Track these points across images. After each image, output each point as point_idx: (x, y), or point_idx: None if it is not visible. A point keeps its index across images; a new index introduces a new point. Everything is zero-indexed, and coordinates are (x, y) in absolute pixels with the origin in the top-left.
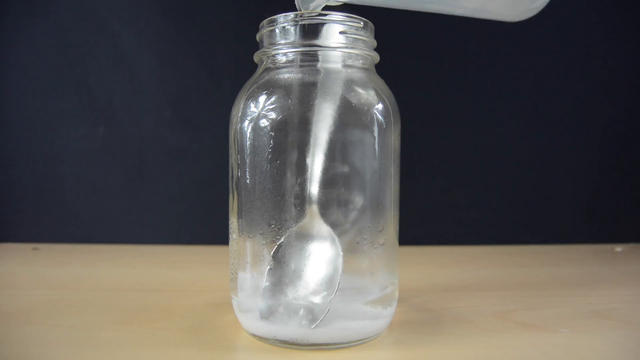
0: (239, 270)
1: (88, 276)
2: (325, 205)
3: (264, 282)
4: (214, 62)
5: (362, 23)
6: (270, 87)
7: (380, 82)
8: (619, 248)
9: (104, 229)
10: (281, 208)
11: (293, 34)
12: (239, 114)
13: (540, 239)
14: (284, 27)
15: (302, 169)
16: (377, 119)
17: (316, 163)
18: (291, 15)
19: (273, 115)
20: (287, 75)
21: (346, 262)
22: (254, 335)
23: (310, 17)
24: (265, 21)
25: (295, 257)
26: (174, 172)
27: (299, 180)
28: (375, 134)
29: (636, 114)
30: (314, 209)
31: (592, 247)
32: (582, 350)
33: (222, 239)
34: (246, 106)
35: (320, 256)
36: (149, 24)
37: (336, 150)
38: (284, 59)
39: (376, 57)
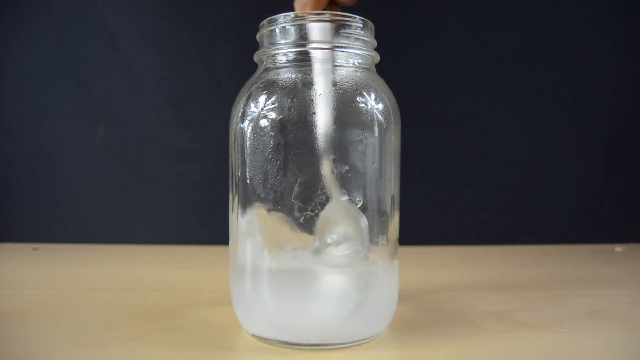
0: (239, 270)
1: (88, 276)
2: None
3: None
4: (214, 62)
5: (362, 23)
6: (270, 87)
7: (381, 82)
8: (619, 248)
9: (104, 229)
10: (282, 208)
11: (293, 33)
12: (239, 114)
13: (540, 239)
14: (284, 27)
15: (302, 169)
16: (377, 119)
17: (326, 161)
18: (291, 15)
19: (273, 115)
20: (288, 75)
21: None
22: (254, 336)
23: (314, 17)
24: (265, 21)
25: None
26: (174, 172)
27: (299, 180)
28: (376, 133)
29: (636, 115)
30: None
31: (592, 247)
32: (582, 350)
33: (222, 239)
34: (246, 106)
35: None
36: (149, 24)
37: (336, 150)
38: (284, 58)
39: (376, 57)
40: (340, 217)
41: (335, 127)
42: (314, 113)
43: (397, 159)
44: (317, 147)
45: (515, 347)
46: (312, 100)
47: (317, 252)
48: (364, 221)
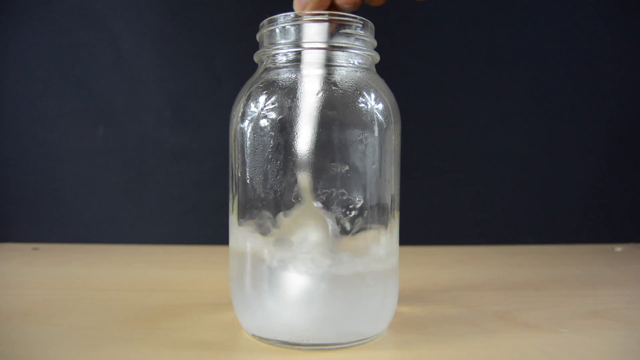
0: (239, 270)
1: (88, 276)
2: (325, 205)
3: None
4: (214, 62)
5: (362, 23)
6: (270, 87)
7: (381, 82)
8: (619, 248)
9: (104, 229)
10: (281, 208)
11: (293, 33)
12: (239, 114)
13: (540, 239)
14: (284, 27)
15: (302, 169)
16: (377, 119)
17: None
18: (291, 15)
19: (273, 115)
20: (288, 75)
21: (346, 262)
22: (254, 336)
23: (311, 17)
24: (265, 21)
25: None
26: (174, 172)
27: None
28: (376, 133)
29: (636, 115)
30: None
31: (592, 247)
32: (582, 350)
33: (222, 239)
34: (246, 106)
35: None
36: (149, 24)
37: (336, 150)
38: (284, 58)
39: (376, 57)
40: (307, 220)
41: (321, 130)
42: (298, 116)
43: (397, 159)
44: (296, 152)
45: (515, 347)
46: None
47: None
48: (330, 227)
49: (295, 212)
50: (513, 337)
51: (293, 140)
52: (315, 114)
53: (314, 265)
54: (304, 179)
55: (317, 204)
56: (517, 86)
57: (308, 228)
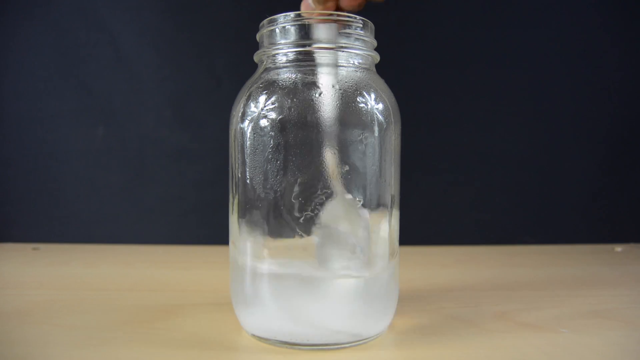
0: (239, 270)
1: (88, 276)
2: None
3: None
4: (214, 62)
5: (362, 23)
6: (270, 87)
7: (381, 82)
8: (619, 248)
9: (104, 229)
10: (281, 208)
11: (293, 33)
12: (239, 114)
13: (540, 239)
14: (284, 27)
15: (302, 169)
16: (377, 119)
17: (329, 154)
18: (291, 15)
19: (273, 115)
20: (288, 75)
21: (346, 262)
22: (254, 336)
23: (311, 17)
24: (265, 21)
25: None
26: (174, 172)
27: (299, 180)
28: (376, 133)
29: (636, 115)
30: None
31: (592, 247)
32: (582, 350)
33: (222, 239)
34: (246, 106)
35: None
36: (149, 24)
37: (336, 150)
38: (284, 58)
39: (376, 57)
40: (342, 215)
41: (337, 126)
42: (317, 112)
43: (397, 159)
44: (322, 146)
45: (515, 347)
46: (312, 100)
47: (321, 259)
48: (365, 220)
49: (330, 207)
50: (513, 337)
51: (298, 139)
52: (332, 106)
53: (313, 265)
54: (330, 159)
55: (348, 196)
56: (517, 86)
57: (349, 223)
